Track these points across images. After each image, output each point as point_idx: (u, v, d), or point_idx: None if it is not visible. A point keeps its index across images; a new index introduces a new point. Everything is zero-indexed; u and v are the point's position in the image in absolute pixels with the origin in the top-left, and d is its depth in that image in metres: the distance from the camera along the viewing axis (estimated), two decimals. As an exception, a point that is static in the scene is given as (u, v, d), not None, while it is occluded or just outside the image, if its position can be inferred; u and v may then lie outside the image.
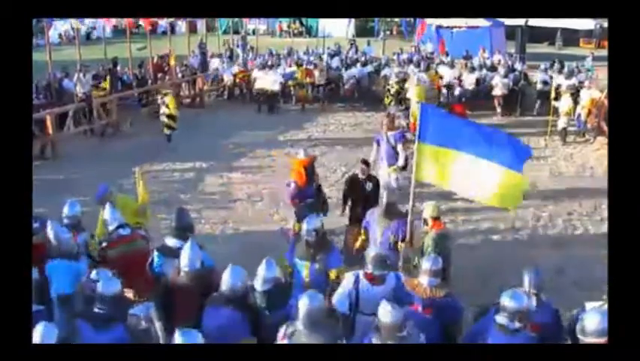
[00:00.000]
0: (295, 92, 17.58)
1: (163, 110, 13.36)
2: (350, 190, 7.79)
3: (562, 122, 13.68)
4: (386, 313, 3.95)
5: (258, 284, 4.56)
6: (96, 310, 4.31)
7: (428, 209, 6.47)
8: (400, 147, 9.04)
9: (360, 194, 7.59)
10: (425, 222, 6.52)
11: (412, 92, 14.26)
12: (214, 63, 19.75)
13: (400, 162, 9.01)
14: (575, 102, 13.88)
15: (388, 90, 15.26)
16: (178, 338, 3.79)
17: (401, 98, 15.15)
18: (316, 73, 17.61)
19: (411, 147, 8.75)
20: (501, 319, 4.13)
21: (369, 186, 7.56)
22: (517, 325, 4.08)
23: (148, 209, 7.01)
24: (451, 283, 5.20)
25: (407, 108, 14.33)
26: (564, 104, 13.56)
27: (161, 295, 4.86)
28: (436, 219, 6.38)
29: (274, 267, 4.68)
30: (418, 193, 6.67)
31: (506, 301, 4.14)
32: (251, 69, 18.44)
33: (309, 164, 7.78)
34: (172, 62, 17.71)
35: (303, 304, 4.05)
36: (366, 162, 7.89)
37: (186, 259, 4.75)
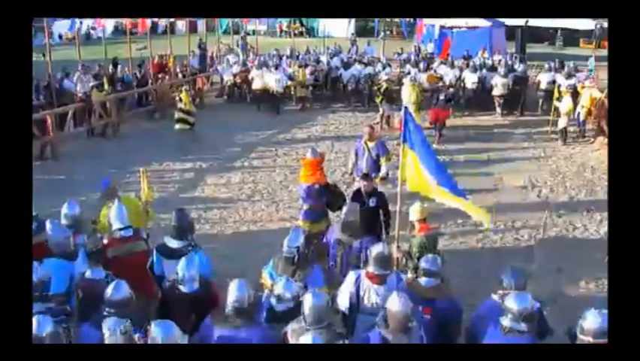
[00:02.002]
0: (295, 93, 17.57)
1: (179, 105, 13.51)
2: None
3: (562, 122, 13.69)
4: (396, 302, 4.02)
5: (275, 302, 4.50)
6: (105, 313, 4.23)
7: (414, 212, 6.38)
8: (382, 159, 8.66)
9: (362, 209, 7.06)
10: (412, 225, 6.43)
11: (405, 92, 14.28)
12: (230, 60, 19.60)
13: (382, 172, 8.60)
14: (575, 102, 13.88)
15: (378, 89, 15.13)
16: (154, 330, 3.80)
17: (393, 97, 15.12)
18: (307, 72, 17.64)
19: (393, 158, 8.87)
20: (507, 321, 4.13)
21: (372, 201, 7.09)
22: (523, 326, 4.07)
23: (151, 208, 7.03)
24: (448, 284, 5.19)
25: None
26: (565, 104, 13.57)
27: (159, 310, 4.84)
28: (422, 221, 6.31)
29: (293, 285, 4.59)
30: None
31: (511, 303, 4.14)
32: (251, 68, 18.47)
33: (321, 163, 7.76)
34: (170, 63, 17.67)
35: (308, 302, 4.05)
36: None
37: (184, 278, 4.68)
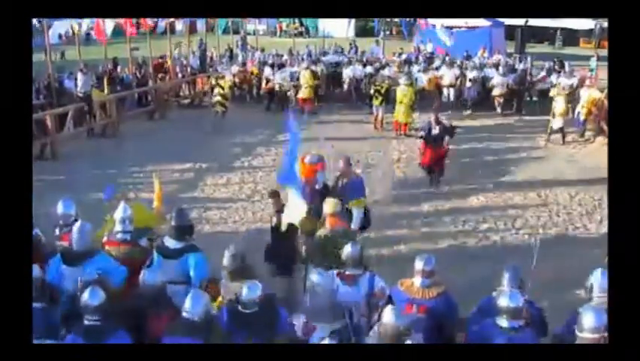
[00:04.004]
0: (297, 94, 17.51)
1: (217, 91, 15.39)
2: None
3: (558, 123, 13.70)
4: (392, 316, 3.95)
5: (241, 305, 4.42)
6: (87, 322, 4.16)
7: (326, 205, 6.24)
8: (352, 202, 7.10)
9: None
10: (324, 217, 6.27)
11: (400, 92, 14.24)
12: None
13: (354, 224, 7.07)
14: (569, 102, 13.91)
15: (378, 91, 14.93)
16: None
17: (389, 98, 15.05)
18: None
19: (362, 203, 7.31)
20: (503, 322, 4.15)
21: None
22: (518, 323, 4.12)
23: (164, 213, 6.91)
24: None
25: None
26: (559, 104, 13.60)
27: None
28: (332, 215, 6.15)
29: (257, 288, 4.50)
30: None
31: (504, 302, 4.17)
32: (255, 67, 18.46)
33: (322, 169, 7.73)
34: (168, 63, 17.53)
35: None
36: (272, 194, 7.29)
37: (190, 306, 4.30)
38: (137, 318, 4.52)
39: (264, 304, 4.42)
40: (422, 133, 10.71)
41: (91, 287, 4.31)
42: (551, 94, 14.13)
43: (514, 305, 4.15)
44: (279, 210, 7.00)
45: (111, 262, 5.23)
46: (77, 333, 4.12)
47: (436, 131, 10.41)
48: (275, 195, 7.28)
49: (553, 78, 16.34)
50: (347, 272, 4.89)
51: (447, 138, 10.55)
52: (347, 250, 5.02)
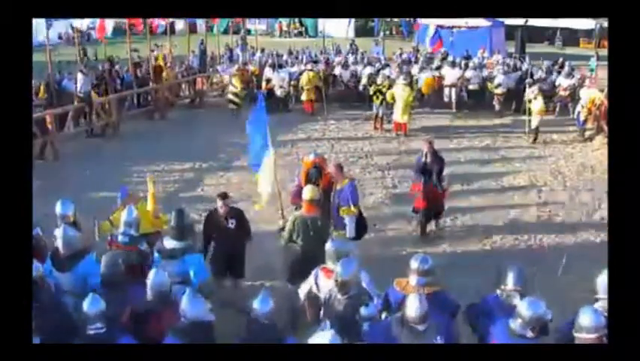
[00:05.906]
0: (299, 93, 17.51)
1: (231, 88, 16.36)
2: (209, 228, 6.72)
3: (534, 121, 13.77)
4: (413, 306, 4.08)
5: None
6: (92, 332, 4.14)
7: (306, 191, 6.38)
8: (343, 209, 6.95)
9: (222, 233, 6.65)
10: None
11: (398, 92, 14.19)
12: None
13: (349, 232, 6.92)
14: (572, 101, 13.95)
15: (379, 91, 14.80)
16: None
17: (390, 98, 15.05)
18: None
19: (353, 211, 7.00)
20: (515, 325, 4.09)
21: (231, 223, 6.60)
22: (529, 334, 4.01)
23: (162, 212, 6.87)
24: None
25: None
26: (537, 104, 13.63)
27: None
28: (309, 202, 6.22)
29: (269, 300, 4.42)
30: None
31: (523, 308, 4.07)
32: (255, 67, 18.49)
33: (312, 166, 7.74)
34: (164, 74, 17.23)
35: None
36: (224, 196, 6.75)
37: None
38: (139, 318, 4.53)
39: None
40: (416, 167, 8.68)
41: (91, 295, 4.29)
42: (531, 95, 14.08)
43: (531, 313, 4.03)
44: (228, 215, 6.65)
45: (97, 267, 5.18)
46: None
47: (429, 161, 8.48)
48: (224, 196, 6.78)
49: (557, 79, 16.31)
50: (331, 268, 4.97)
51: (445, 176, 8.86)
52: (329, 245, 5.16)
